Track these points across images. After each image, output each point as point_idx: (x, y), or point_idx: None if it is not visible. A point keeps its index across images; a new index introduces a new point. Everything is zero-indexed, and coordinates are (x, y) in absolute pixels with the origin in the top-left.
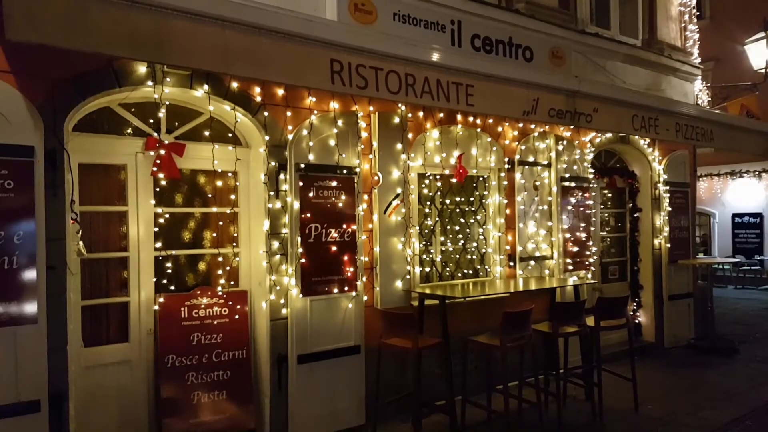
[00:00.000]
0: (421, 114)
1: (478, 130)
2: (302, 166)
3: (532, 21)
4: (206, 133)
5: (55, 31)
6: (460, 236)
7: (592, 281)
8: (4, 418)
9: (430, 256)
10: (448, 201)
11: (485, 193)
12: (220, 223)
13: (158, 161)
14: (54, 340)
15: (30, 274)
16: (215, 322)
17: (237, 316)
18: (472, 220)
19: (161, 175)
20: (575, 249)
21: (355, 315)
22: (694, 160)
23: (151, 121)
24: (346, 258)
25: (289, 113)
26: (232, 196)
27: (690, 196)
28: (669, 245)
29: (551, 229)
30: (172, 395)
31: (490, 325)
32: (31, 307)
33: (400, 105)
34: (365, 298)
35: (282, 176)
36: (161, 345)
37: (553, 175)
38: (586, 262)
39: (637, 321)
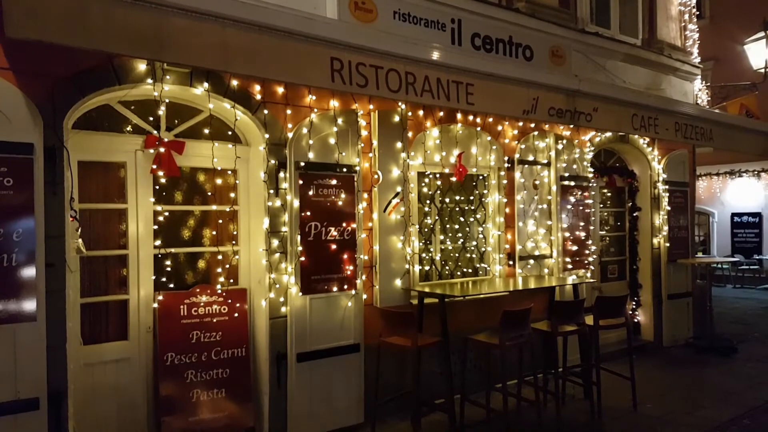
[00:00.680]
0: (421, 113)
1: (478, 128)
2: (302, 164)
3: (532, 20)
4: (206, 131)
5: (55, 29)
6: (460, 235)
7: (591, 280)
8: (3, 416)
9: (430, 254)
10: (447, 200)
11: (485, 191)
12: (220, 221)
13: (158, 159)
14: (53, 337)
15: (29, 272)
16: (215, 320)
17: (236, 314)
18: (471, 219)
19: (161, 173)
20: (574, 248)
21: (355, 313)
22: (693, 160)
23: (151, 118)
24: (345, 256)
25: (289, 111)
26: (232, 194)
27: (689, 196)
28: (668, 244)
29: (551, 228)
30: (172, 393)
31: (489, 323)
32: (30, 305)
33: (400, 104)
34: (365, 296)
35: (282, 174)
36: (160, 343)
37: (553, 174)
38: (586, 261)
39: (636, 320)
